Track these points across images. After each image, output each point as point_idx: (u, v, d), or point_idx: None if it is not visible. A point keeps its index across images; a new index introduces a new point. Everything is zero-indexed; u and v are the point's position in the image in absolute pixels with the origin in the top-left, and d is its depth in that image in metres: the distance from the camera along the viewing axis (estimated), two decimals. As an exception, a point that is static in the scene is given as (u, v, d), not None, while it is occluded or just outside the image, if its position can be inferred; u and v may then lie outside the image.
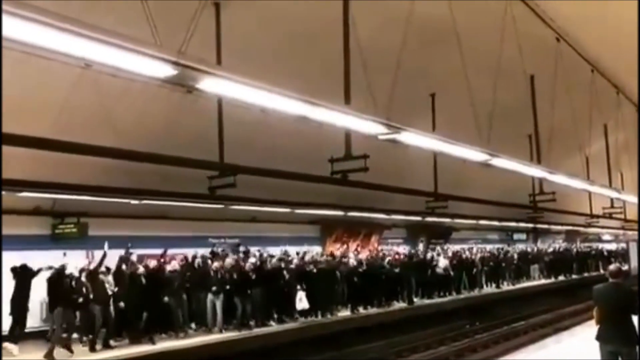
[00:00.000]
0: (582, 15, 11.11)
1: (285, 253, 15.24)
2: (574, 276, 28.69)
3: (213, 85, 4.72)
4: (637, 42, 9.84)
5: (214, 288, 12.22)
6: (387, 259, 17.43)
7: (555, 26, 11.70)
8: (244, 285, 12.68)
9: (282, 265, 13.96)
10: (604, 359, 6.30)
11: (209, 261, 13.13)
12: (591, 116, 14.83)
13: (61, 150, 7.58)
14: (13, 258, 11.22)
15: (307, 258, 15.19)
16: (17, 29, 3.30)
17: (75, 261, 11.44)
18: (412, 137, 7.40)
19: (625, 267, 21.54)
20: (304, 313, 13.79)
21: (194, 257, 13.28)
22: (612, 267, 6.70)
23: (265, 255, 14.59)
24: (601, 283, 6.60)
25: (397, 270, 16.98)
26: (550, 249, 30.27)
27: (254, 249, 15.26)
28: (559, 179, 12.92)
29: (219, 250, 15.74)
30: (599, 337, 6.34)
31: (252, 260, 13.52)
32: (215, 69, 4.59)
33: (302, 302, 13.54)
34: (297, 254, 15.63)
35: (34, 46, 3.69)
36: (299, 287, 13.63)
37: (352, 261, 16.19)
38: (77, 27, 3.50)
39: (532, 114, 13.78)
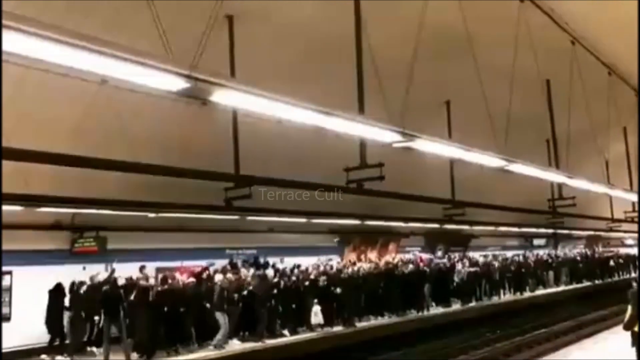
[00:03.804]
0: (598, 18, 10.98)
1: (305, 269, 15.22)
2: (596, 282, 28.33)
3: (226, 97, 4.73)
4: (637, 50, 9.72)
5: (219, 305, 12.02)
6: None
7: (570, 29, 11.58)
8: (260, 299, 12.69)
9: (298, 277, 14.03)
10: None
11: (219, 275, 13.09)
12: (609, 119, 14.63)
13: (78, 165, 7.66)
14: (33, 273, 11.40)
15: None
16: (35, 47, 3.35)
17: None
18: (427, 145, 7.36)
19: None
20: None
21: (200, 272, 13.39)
22: None
23: (283, 267, 14.66)
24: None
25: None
26: (572, 254, 29.95)
27: (272, 261, 15.31)
28: (578, 183, 12.75)
29: (238, 262, 15.82)
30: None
31: (269, 272, 13.54)
32: (227, 81, 4.60)
33: (317, 316, 13.53)
34: (319, 266, 15.66)
35: (51, 63, 3.74)
36: (315, 300, 13.62)
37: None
38: (91, 43, 3.54)
39: (549, 119, 13.64)
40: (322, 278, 14.39)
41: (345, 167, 8.73)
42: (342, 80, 8.08)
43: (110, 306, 10.97)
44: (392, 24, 10.02)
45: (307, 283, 14.03)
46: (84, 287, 11.49)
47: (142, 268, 12.47)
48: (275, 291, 13.10)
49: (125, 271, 12.28)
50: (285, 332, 13.22)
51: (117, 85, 8.26)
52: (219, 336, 11.77)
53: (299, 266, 15.26)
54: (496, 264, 21.85)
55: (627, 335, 6.57)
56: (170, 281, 12.00)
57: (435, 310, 17.84)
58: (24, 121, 9.06)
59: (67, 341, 11.36)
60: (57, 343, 11.30)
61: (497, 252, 26.09)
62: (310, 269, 15.12)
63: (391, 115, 7.14)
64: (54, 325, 11.27)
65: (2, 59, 3.47)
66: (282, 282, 13.53)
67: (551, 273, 26.06)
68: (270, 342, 12.52)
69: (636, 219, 21.31)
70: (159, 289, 11.62)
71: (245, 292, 12.80)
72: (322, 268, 15.35)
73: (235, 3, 8.31)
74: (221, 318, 11.86)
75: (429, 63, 9.86)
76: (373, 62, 7.56)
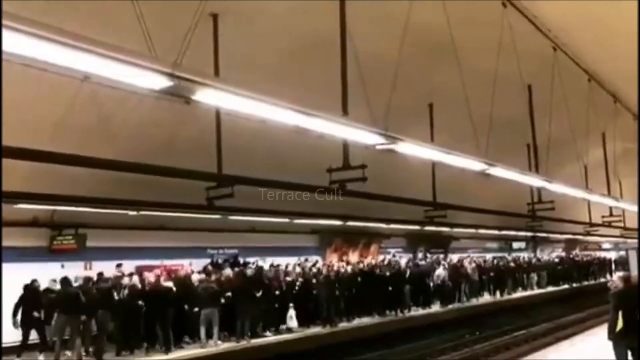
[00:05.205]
0: (579, 25, 11.14)
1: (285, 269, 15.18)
2: (574, 285, 28.83)
3: (209, 96, 4.72)
4: (637, 50, 9.87)
5: (208, 303, 12.06)
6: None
7: (552, 36, 11.73)
8: (239, 297, 12.68)
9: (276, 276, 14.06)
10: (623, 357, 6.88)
11: (196, 275, 13.05)
12: (589, 125, 14.85)
13: (59, 163, 7.58)
14: (12, 270, 11.23)
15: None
16: (17, 42, 3.33)
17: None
18: (409, 147, 7.41)
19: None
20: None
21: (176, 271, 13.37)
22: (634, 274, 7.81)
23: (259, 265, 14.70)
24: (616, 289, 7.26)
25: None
26: (549, 258, 30.43)
27: (252, 260, 15.26)
28: (558, 187, 12.93)
29: (219, 260, 15.76)
30: (623, 337, 6.83)
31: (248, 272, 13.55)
32: (211, 80, 4.59)
33: (292, 320, 13.60)
34: (299, 265, 15.67)
35: (33, 59, 3.70)
36: (291, 304, 13.66)
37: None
38: (74, 40, 3.51)
39: (530, 123, 13.80)
40: (300, 280, 14.42)
41: (328, 168, 8.75)
42: (327, 81, 8.10)
43: (67, 305, 10.76)
44: (377, 27, 10.07)
45: (285, 285, 14.06)
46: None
47: (118, 266, 12.37)
48: (255, 291, 13.05)
49: (103, 269, 12.21)
50: (267, 333, 13.22)
51: (100, 82, 8.18)
52: (215, 334, 11.94)
53: (277, 266, 15.24)
54: (473, 265, 22.01)
55: (602, 337, 6.93)
56: (146, 280, 11.94)
57: (415, 311, 17.95)
58: (4, 117, 8.92)
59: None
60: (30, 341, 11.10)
61: (476, 255, 26.34)
62: (290, 270, 15.12)
63: (375, 117, 7.18)
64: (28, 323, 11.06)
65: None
66: (261, 283, 13.50)
67: (531, 275, 26.43)
68: (251, 342, 12.51)
69: (613, 223, 21.67)
70: (132, 286, 11.55)
71: (225, 292, 12.77)
72: (299, 270, 15.30)
73: (220, 2, 8.29)
74: (214, 316, 11.95)
75: (412, 66, 9.92)
76: (357, 64, 7.59)
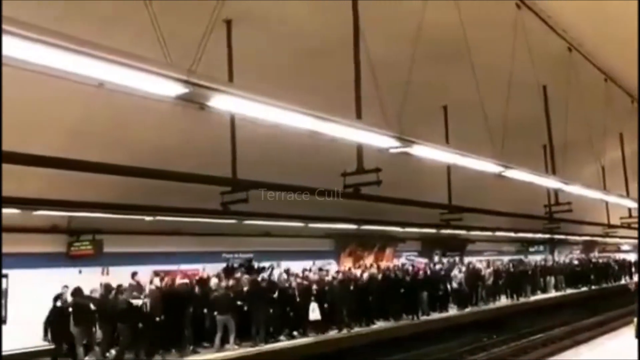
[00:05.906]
0: (594, 25, 11.03)
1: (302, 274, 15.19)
2: (593, 287, 28.48)
3: (223, 102, 4.74)
4: (637, 46, 9.76)
5: (225, 309, 12.15)
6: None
7: (567, 36, 11.62)
8: (254, 303, 12.70)
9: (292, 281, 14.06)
10: None
11: (216, 280, 13.12)
12: (606, 125, 14.68)
13: (76, 169, 7.65)
14: (30, 276, 11.36)
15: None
16: (32, 51, 3.36)
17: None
18: (424, 150, 7.37)
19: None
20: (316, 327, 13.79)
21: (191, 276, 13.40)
22: None
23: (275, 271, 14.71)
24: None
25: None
26: (568, 260, 30.12)
27: (267, 264, 15.29)
28: (575, 189, 12.79)
29: (234, 265, 15.82)
30: None
31: (263, 276, 13.59)
32: (225, 87, 4.61)
33: (314, 312, 13.60)
34: (310, 270, 15.66)
35: (48, 67, 3.74)
36: (312, 298, 13.67)
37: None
38: (89, 48, 3.54)
39: (545, 125, 13.67)
40: (314, 287, 14.41)
41: (342, 172, 8.73)
42: (340, 85, 8.09)
43: (79, 318, 10.83)
44: (390, 30, 10.05)
45: (300, 288, 14.07)
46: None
47: (133, 275, 12.39)
48: (270, 295, 13.07)
49: (120, 274, 12.30)
50: (282, 337, 13.23)
51: (115, 89, 8.24)
52: (231, 340, 12.04)
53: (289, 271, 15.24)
54: (490, 270, 21.82)
55: (623, 340, 6.81)
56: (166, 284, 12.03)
57: (432, 315, 17.84)
58: (20, 123, 9.04)
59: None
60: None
61: (493, 257, 26.13)
62: (305, 274, 15.12)
63: (388, 120, 7.15)
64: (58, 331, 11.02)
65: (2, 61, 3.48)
66: (277, 287, 13.53)
67: (548, 278, 26.16)
68: (267, 346, 12.52)
69: (632, 225, 21.35)
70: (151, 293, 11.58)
71: (242, 296, 12.82)
72: (315, 276, 15.27)
73: (234, 8, 8.33)
74: (229, 322, 12.03)
75: (426, 68, 9.87)
76: (371, 67, 7.57)
